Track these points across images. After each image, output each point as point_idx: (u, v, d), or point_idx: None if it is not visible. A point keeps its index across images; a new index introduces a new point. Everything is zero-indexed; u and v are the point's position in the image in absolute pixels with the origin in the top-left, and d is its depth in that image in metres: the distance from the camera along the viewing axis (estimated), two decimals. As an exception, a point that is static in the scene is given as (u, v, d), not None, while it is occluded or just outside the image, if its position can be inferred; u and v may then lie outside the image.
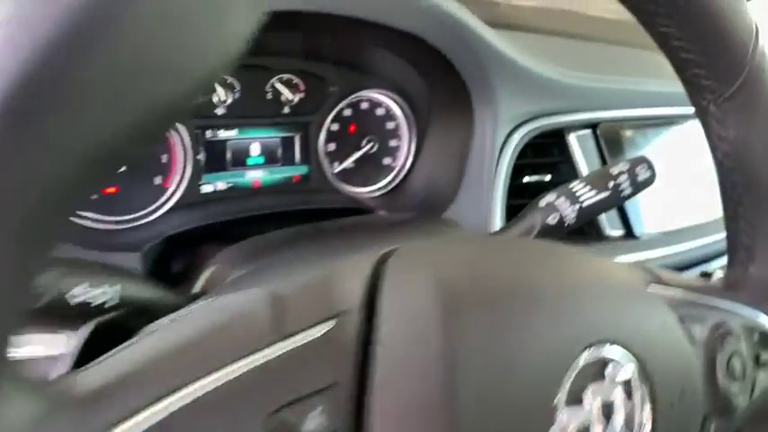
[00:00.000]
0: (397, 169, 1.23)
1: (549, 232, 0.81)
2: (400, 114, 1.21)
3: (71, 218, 0.25)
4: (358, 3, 0.82)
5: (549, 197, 0.82)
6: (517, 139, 1.07)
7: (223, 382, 0.27)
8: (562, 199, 0.81)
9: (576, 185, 0.82)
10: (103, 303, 0.49)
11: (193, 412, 0.26)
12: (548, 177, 1.16)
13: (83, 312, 0.48)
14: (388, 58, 1.07)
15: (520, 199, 1.12)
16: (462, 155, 1.08)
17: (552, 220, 0.81)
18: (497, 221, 1.04)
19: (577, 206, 0.81)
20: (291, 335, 0.29)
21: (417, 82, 1.10)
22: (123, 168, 0.93)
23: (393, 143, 1.22)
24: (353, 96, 1.13)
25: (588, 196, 0.82)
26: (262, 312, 0.30)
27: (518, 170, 1.15)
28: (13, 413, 0.22)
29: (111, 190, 0.94)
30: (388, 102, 1.19)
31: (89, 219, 0.91)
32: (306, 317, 0.30)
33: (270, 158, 1.08)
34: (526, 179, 1.14)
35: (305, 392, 0.27)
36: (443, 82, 1.05)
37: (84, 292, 0.48)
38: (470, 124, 1.05)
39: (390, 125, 1.21)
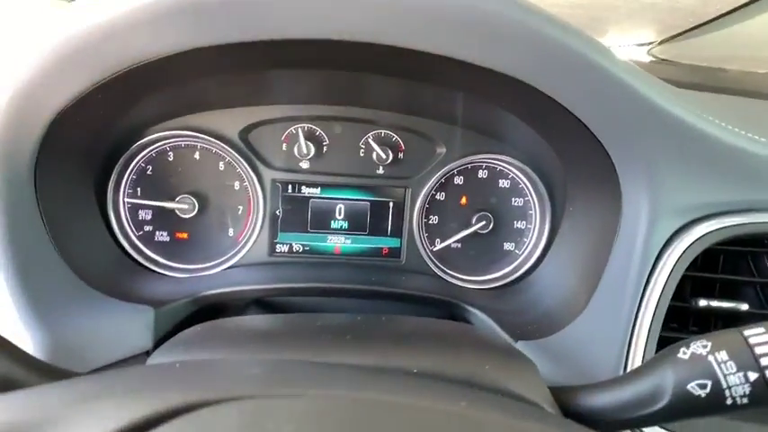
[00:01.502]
0: (521, 258, 0.95)
1: (694, 409, 0.47)
2: (531, 190, 0.94)
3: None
4: (491, 51, 0.61)
5: (700, 345, 0.48)
6: (689, 241, 0.71)
7: None
8: (725, 354, 0.46)
9: (763, 333, 0.47)
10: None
11: None
12: (743, 306, 0.74)
13: None
14: (515, 121, 0.83)
15: (686, 332, 0.75)
16: (600, 254, 0.76)
17: (700, 389, 0.46)
18: (635, 358, 0.69)
19: (756, 374, 0.45)
20: None
21: (550, 153, 0.84)
22: (197, 214, 0.88)
23: (518, 224, 0.96)
24: (468, 161, 0.92)
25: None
26: None
27: (697, 288, 0.77)
28: None
29: (183, 236, 0.90)
30: (516, 172, 0.94)
31: (152, 260, 0.88)
32: None
33: (355, 224, 0.93)
34: (703, 303, 0.75)
35: None
36: (580, 153, 0.76)
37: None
38: (616, 214, 0.74)
39: (517, 201, 0.95)
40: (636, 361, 0.70)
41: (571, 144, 0.76)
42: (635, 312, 0.70)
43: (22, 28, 0.59)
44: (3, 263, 0.60)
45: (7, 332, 0.61)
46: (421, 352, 0.53)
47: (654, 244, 0.70)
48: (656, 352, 0.70)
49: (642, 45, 1.48)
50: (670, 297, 0.70)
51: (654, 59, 1.53)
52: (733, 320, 0.77)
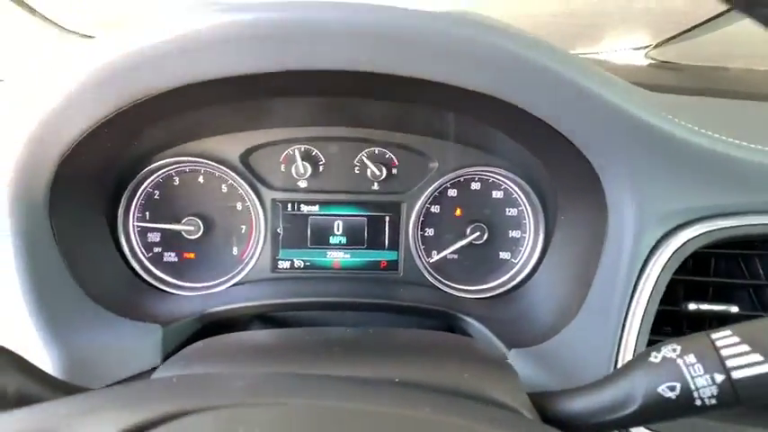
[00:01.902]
0: (517, 267, 0.97)
1: (666, 411, 0.49)
2: (524, 199, 0.96)
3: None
4: (469, 72, 0.63)
5: (671, 348, 0.50)
6: (675, 245, 0.72)
7: None
8: (693, 357, 0.48)
9: (729, 336, 0.48)
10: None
11: None
12: (734, 309, 0.75)
13: None
14: (504, 137, 0.85)
15: (680, 336, 0.76)
16: (590, 261, 0.78)
17: (670, 392, 0.48)
18: (623, 363, 0.70)
19: (722, 376, 0.47)
20: None
21: (539, 164, 0.86)
22: (203, 234, 0.92)
23: (513, 234, 0.98)
24: (460, 173, 0.94)
25: (750, 361, 0.47)
26: None
27: (690, 291, 0.78)
28: None
29: (190, 256, 0.95)
30: (508, 183, 0.96)
31: (161, 280, 0.92)
32: None
33: (353, 239, 0.96)
34: (693, 306, 0.76)
35: None
36: (566, 164, 0.78)
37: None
38: (603, 223, 0.75)
39: (511, 212, 0.97)
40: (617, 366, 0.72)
41: (556, 156, 0.78)
42: (623, 317, 0.72)
43: (36, 66, 0.64)
44: (21, 286, 0.65)
45: (25, 350, 0.66)
46: (406, 363, 0.56)
47: (640, 250, 0.72)
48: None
49: (639, 49, 1.49)
50: (658, 301, 0.72)
51: (652, 62, 1.54)
52: (726, 323, 0.78)
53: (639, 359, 0.51)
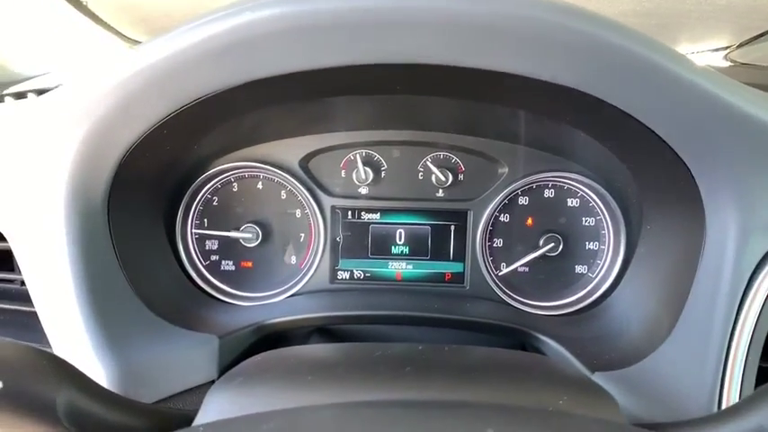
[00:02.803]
0: (595, 281, 0.89)
1: None
2: (603, 208, 0.88)
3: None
4: (554, 64, 0.56)
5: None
6: (791, 259, 0.63)
7: None
8: None
9: None
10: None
11: None
12: None
13: None
14: (583, 138, 0.78)
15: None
16: (684, 276, 0.69)
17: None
18: (730, 393, 0.61)
19: None
20: None
21: (623, 170, 0.78)
22: (261, 242, 0.89)
23: (591, 246, 0.90)
24: (531, 180, 0.88)
25: None
26: None
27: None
28: None
29: (248, 264, 0.92)
30: (585, 190, 0.88)
31: (218, 289, 0.89)
32: None
33: (416, 249, 0.91)
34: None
35: None
36: (656, 168, 0.70)
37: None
38: (699, 232, 0.67)
39: (588, 221, 0.89)
40: (732, 396, 0.62)
41: (646, 159, 0.70)
42: (727, 341, 0.63)
43: (94, 68, 0.63)
44: (76, 292, 0.63)
45: (79, 361, 0.63)
46: (487, 386, 0.49)
47: (745, 264, 0.62)
48: (757, 385, 0.63)
49: (718, 50, 1.38)
50: (770, 324, 0.62)
51: (733, 64, 1.43)
52: None
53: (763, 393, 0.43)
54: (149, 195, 0.78)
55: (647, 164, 0.72)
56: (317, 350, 0.64)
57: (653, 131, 0.61)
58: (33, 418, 0.39)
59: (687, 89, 0.57)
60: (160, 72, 0.58)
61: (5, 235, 0.68)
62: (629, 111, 0.59)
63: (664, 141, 0.61)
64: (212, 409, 0.47)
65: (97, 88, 0.60)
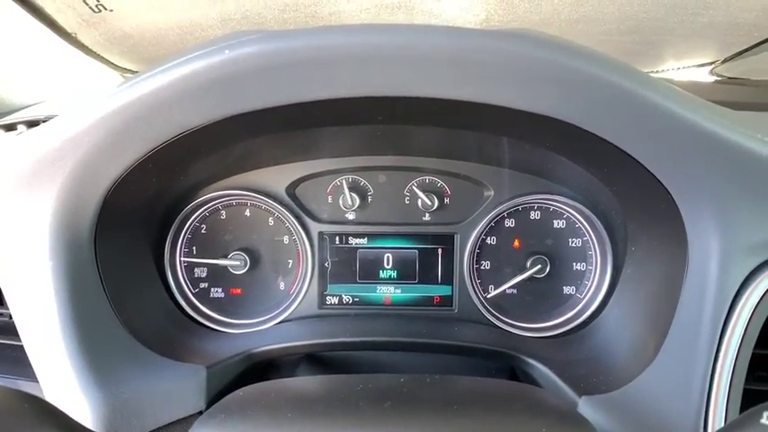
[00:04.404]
0: (583, 302, 0.89)
1: None
2: (589, 229, 0.89)
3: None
4: (532, 94, 0.57)
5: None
6: (774, 281, 0.63)
7: None
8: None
9: None
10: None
11: None
12: None
13: None
14: (566, 162, 0.79)
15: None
16: (669, 297, 0.69)
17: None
18: (716, 416, 0.61)
19: None
20: None
21: (605, 191, 0.79)
22: (249, 269, 0.90)
23: (578, 266, 0.90)
24: (518, 202, 0.88)
25: None
26: None
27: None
28: None
29: (237, 291, 0.92)
30: (570, 212, 0.89)
31: (208, 317, 0.89)
32: None
33: (404, 273, 0.91)
34: (799, 352, 0.66)
35: None
36: (638, 191, 0.71)
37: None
38: (682, 255, 0.67)
39: (574, 242, 0.90)
40: (718, 419, 0.62)
41: (627, 183, 0.71)
42: (712, 362, 0.63)
43: (79, 103, 0.64)
44: (62, 327, 0.63)
45: (65, 396, 0.63)
46: (467, 419, 0.49)
47: (728, 285, 0.63)
48: (742, 407, 0.63)
49: (703, 65, 1.40)
50: (753, 344, 0.62)
51: (719, 78, 1.44)
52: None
53: (749, 419, 0.43)
54: (137, 226, 0.78)
55: (629, 187, 0.72)
56: (300, 383, 0.64)
57: (632, 157, 0.61)
58: None
59: (664, 116, 0.58)
60: (143, 108, 0.59)
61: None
62: (608, 138, 0.60)
63: (643, 166, 0.62)
64: None
65: (82, 124, 0.61)
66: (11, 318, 0.70)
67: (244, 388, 0.58)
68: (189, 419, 0.69)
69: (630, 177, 0.67)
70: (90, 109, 0.60)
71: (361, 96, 0.58)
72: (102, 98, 0.61)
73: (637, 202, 0.73)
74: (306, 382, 0.63)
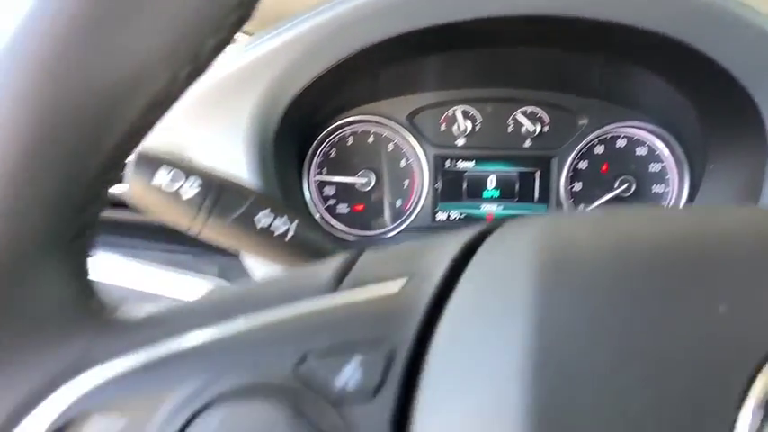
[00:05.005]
0: (661, 220, 1.03)
1: None
2: (668, 155, 1.02)
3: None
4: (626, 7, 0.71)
5: None
6: None
7: (260, 323, 0.27)
8: None
9: None
10: (284, 234, 0.55)
11: (228, 346, 0.27)
12: None
13: (264, 238, 0.55)
14: (655, 84, 0.92)
15: None
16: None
17: None
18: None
19: None
20: (350, 287, 0.28)
21: (689, 114, 0.92)
22: (372, 188, 1.04)
23: (657, 189, 1.04)
24: (606, 131, 1.02)
25: None
26: (332, 266, 0.30)
27: None
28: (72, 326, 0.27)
29: (360, 207, 1.07)
30: (652, 139, 1.02)
31: (338, 230, 1.04)
32: (375, 273, 0.29)
33: (506, 193, 1.05)
34: None
35: (346, 340, 0.26)
36: (723, 105, 0.84)
37: (267, 220, 0.54)
38: (761, 168, 0.80)
39: (655, 167, 1.03)
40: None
41: (713, 97, 0.84)
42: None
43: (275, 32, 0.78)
44: None
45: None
46: None
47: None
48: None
49: None
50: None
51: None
52: None
53: None
54: (292, 143, 0.93)
55: (712, 100, 0.85)
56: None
57: (723, 67, 0.75)
58: None
59: (759, 34, 0.71)
60: (333, 27, 0.73)
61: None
62: (708, 52, 0.73)
63: (732, 77, 0.75)
64: None
65: (277, 45, 0.75)
66: None
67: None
68: None
69: (719, 90, 0.80)
70: (286, 33, 0.75)
71: (514, 16, 0.72)
72: (295, 22, 0.75)
73: (721, 117, 0.86)
74: None
